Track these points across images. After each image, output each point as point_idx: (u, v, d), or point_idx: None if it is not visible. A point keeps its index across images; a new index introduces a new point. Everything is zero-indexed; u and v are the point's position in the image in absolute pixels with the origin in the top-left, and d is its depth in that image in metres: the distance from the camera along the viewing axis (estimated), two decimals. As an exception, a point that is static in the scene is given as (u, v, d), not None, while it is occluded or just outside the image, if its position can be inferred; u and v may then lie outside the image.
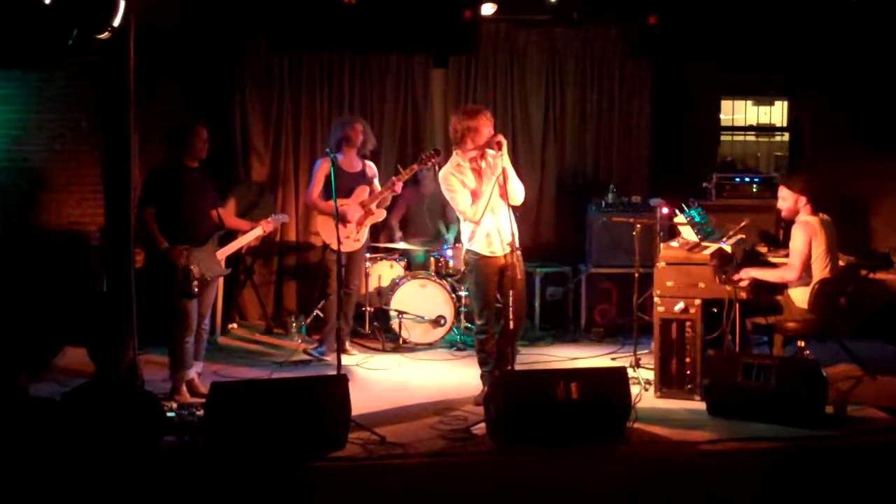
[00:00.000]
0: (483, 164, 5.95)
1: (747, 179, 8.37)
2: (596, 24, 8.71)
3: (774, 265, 6.32)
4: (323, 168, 7.09)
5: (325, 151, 6.85)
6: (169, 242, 5.78)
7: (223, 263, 6.24)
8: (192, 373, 6.00)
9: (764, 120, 9.84)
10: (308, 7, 7.98)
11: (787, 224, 6.24)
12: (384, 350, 7.48)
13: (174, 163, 5.94)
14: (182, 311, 5.87)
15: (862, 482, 4.74)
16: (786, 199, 6.18)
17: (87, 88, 7.96)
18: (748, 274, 6.05)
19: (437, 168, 8.10)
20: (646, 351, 6.77)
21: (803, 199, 6.12)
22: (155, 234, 5.78)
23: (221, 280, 6.62)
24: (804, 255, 5.97)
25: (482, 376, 6.07)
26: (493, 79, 8.74)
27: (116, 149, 5.90)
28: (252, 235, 6.54)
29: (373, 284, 7.80)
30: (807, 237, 5.98)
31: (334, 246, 5.98)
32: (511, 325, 5.96)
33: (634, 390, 5.72)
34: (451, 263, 7.78)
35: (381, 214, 7.29)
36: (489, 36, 8.62)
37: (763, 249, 6.83)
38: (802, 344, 6.35)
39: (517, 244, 5.76)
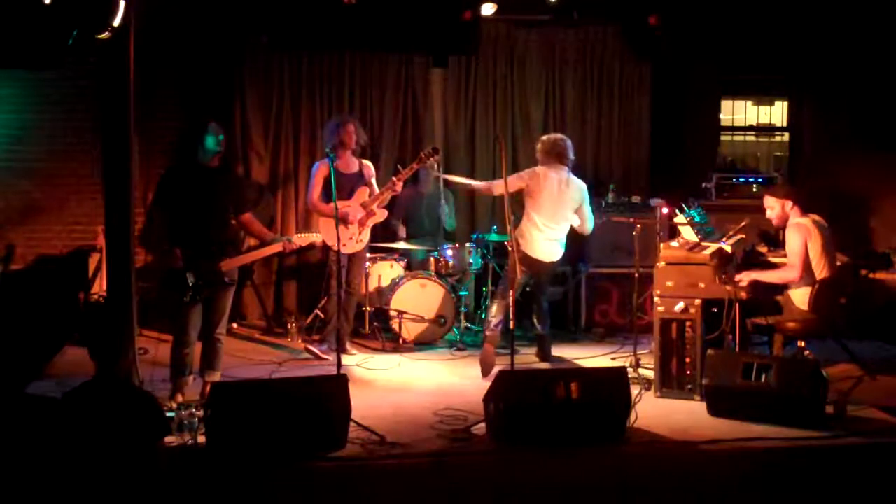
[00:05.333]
0: None
1: (747, 179, 8.38)
2: (596, 24, 8.72)
3: (775, 265, 6.32)
4: (321, 171, 7.10)
5: (325, 153, 6.84)
6: (173, 245, 5.75)
7: (233, 273, 5.95)
8: (192, 379, 5.96)
9: (764, 120, 9.84)
10: (308, 7, 7.98)
11: (785, 229, 6.25)
12: (384, 350, 7.49)
13: (186, 164, 5.92)
14: (179, 318, 5.83)
15: (862, 482, 4.75)
16: (773, 207, 6.21)
17: (87, 88, 7.98)
18: (749, 277, 6.05)
19: (436, 167, 8.15)
20: (646, 351, 6.77)
21: (789, 203, 6.14)
22: (161, 236, 5.75)
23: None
24: (802, 254, 5.98)
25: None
26: (493, 79, 8.74)
27: (116, 149, 5.89)
28: (270, 251, 6.25)
29: (373, 284, 7.80)
30: (802, 238, 5.99)
31: (336, 247, 5.98)
32: (511, 324, 6.03)
33: (634, 390, 5.72)
34: (450, 263, 7.78)
35: (382, 214, 7.29)
36: (489, 36, 8.62)
37: (763, 249, 6.83)
38: (802, 344, 6.36)
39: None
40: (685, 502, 4.60)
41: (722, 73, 8.91)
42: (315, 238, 6.36)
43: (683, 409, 5.80)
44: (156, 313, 7.22)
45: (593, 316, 8.14)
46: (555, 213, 6.79)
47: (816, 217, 6.16)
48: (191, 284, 5.73)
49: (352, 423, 5.11)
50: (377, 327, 7.71)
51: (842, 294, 6.22)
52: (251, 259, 6.24)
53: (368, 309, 7.75)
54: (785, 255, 6.24)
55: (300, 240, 6.24)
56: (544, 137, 7.04)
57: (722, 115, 9.37)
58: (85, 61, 7.59)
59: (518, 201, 6.90)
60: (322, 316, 7.58)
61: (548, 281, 7.16)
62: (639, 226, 7.00)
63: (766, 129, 9.85)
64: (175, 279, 5.74)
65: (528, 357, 7.17)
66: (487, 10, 7.90)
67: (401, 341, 7.50)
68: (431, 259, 7.87)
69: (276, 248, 6.16)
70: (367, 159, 7.49)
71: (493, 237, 7.91)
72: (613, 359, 7.20)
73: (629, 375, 5.48)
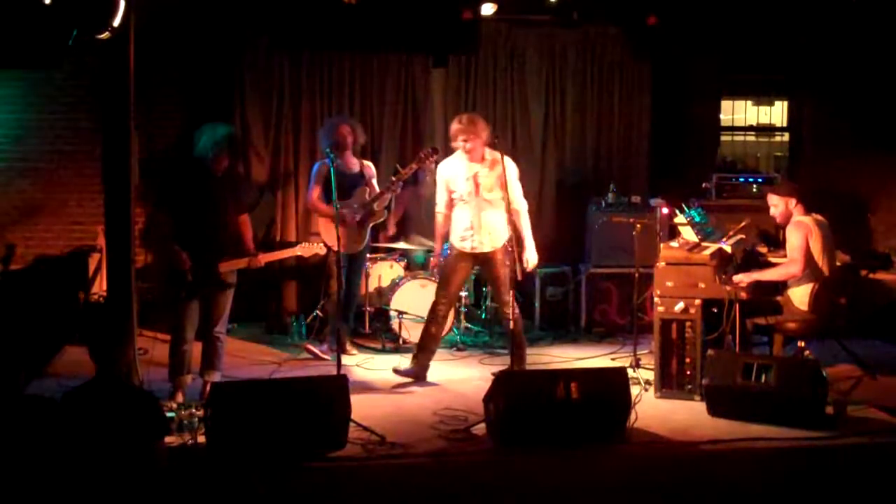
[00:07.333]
0: None
1: (747, 179, 8.38)
2: (596, 24, 8.71)
3: (774, 265, 6.32)
4: (321, 171, 7.11)
5: (324, 153, 6.85)
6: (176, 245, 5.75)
7: (231, 275, 5.93)
8: (191, 378, 5.95)
9: (764, 120, 9.84)
10: (308, 7, 7.98)
11: (785, 228, 6.26)
12: (384, 350, 7.48)
13: (187, 164, 5.90)
14: (176, 316, 5.84)
15: (862, 482, 4.74)
16: (776, 205, 6.22)
17: (87, 88, 7.98)
18: (749, 278, 6.04)
19: (436, 167, 8.14)
20: (646, 351, 6.77)
21: (793, 201, 6.15)
22: (165, 236, 5.74)
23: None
24: (804, 249, 5.97)
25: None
26: (493, 79, 8.74)
27: (116, 149, 5.89)
28: (240, 265, 6.06)
29: (373, 284, 7.80)
30: (803, 234, 6.00)
31: (335, 247, 5.98)
32: (511, 325, 6.03)
33: (634, 390, 5.72)
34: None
35: (381, 215, 7.30)
36: (489, 36, 8.61)
37: (763, 249, 6.83)
38: (802, 344, 6.36)
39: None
40: (685, 502, 4.60)
41: (722, 72, 8.91)
42: (319, 250, 6.36)
43: (683, 409, 5.81)
44: (156, 313, 7.21)
45: (593, 316, 8.14)
46: None
47: (818, 216, 6.17)
48: (187, 281, 5.73)
49: (352, 423, 5.11)
50: (377, 327, 7.71)
51: (842, 294, 6.22)
52: (237, 266, 6.18)
53: (368, 309, 7.75)
54: (784, 256, 6.24)
55: (304, 249, 6.26)
56: (474, 118, 6.48)
57: (722, 115, 9.37)
58: (85, 61, 7.59)
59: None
60: (322, 316, 7.58)
61: None
62: (639, 226, 7.01)
63: (766, 129, 9.85)
64: (172, 276, 5.74)
65: (527, 357, 7.16)
66: (487, 10, 7.90)
67: (401, 341, 7.50)
68: (431, 259, 7.86)
69: (286, 254, 6.29)
70: (367, 159, 7.49)
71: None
72: (613, 359, 7.19)
73: (629, 375, 5.48)
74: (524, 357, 6.55)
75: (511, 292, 6.05)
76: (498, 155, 6.39)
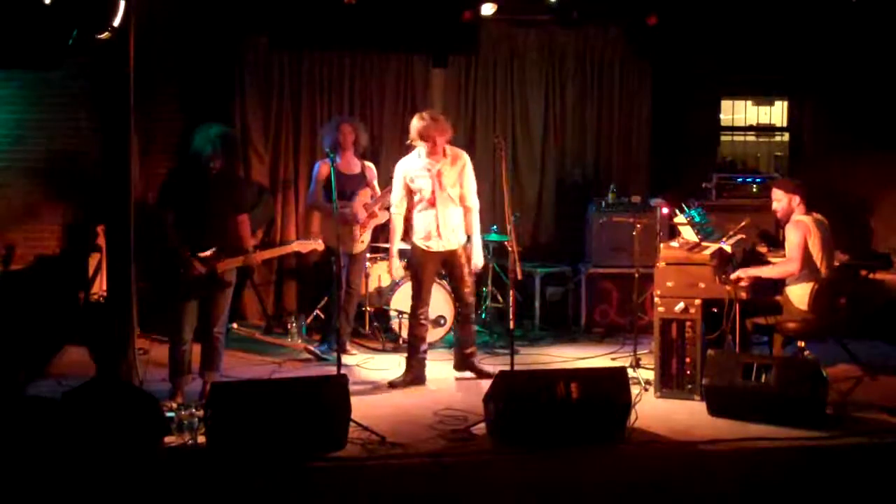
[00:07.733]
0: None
1: (747, 179, 8.39)
2: (596, 24, 8.72)
3: (774, 265, 6.32)
4: (322, 171, 7.11)
5: (325, 153, 6.86)
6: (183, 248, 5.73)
7: (230, 274, 5.91)
8: (190, 378, 5.95)
9: (764, 120, 9.84)
10: (308, 7, 7.98)
11: (786, 225, 6.27)
12: (384, 350, 7.48)
13: (188, 165, 5.90)
14: (174, 316, 5.82)
15: (862, 482, 4.75)
16: (780, 199, 6.22)
17: (87, 88, 7.97)
18: (747, 273, 6.05)
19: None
20: (646, 351, 6.77)
21: (797, 199, 6.16)
22: (173, 240, 5.73)
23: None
24: (802, 247, 5.98)
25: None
26: (493, 79, 8.74)
27: (116, 149, 5.90)
28: (270, 254, 6.54)
29: (373, 284, 7.80)
30: (801, 234, 6.01)
31: (336, 247, 5.99)
32: (511, 324, 6.03)
33: (634, 390, 5.72)
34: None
35: (383, 216, 7.30)
36: (489, 36, 8.62)
37: (763, 249, 6.84)
38: (802, 344, 6.36)
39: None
40: (685, 502, 4.60)
41: (722, 73, 8.91)
42: (317, 245, 6.36)
43: (683, 409, 5.81)
44: (155, 313, 7.21)
45: (593, 316, 8.14)
46: None
47: (818, 216, 6.17)
48: (184, 281, 5.72)
49: (352, 423, 5.11)
50: (377, 327, 7.71)
51: (842, 294, 6.22)
52: (235, 265, 6.20)
53: (368, 309, 7.76)
54: (784, 256, 6.24)
55: (302, 246, 6.27)
56: (437, 115, 6.39)
57: (722, 115, 9.37)
58: (85, 61, 7.58)
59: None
60: (322, 316, 7.57)
61: None
62: (639, 226, 7.01)
63: (766, 129, 9.86)
64: (170, 276, 5.74)
65: (527, 357, 7.17)
66: (487, 10, 7.91)
67: (401, 341, 7.50)
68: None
69: (285, 250, 6.38)
70: (367, 159, 7.50)
71: (493, 237, 7.91)
72: (613, 359, 7.19)
73: (629, 375, 5.48)
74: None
75: (512, 292, 6.04)
76: (458, 151, 6.44)
